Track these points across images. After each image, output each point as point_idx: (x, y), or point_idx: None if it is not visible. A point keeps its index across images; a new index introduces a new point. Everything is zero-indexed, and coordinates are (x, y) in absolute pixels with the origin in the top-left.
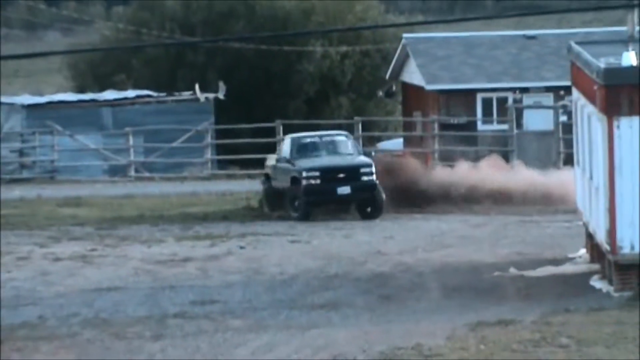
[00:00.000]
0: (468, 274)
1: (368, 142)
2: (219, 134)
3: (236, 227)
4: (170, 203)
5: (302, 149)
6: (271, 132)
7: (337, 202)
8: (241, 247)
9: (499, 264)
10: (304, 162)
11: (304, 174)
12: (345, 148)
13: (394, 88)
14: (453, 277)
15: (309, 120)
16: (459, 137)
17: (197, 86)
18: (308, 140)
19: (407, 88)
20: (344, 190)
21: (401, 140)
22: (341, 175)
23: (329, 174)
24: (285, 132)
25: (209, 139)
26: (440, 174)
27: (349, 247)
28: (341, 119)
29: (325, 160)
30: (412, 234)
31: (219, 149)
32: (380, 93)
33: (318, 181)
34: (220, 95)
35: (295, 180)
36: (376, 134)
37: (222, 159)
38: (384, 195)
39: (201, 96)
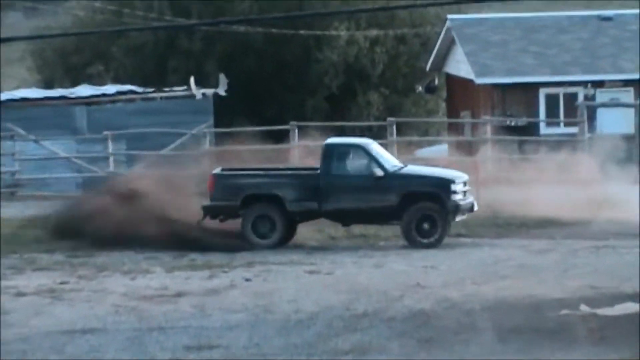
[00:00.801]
0: (529, 312)
1: (404, 149)
2: (220, 139)
3: (241, 254)
4: None
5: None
6: (283, 136)
7: None
8: (247, 279)
9: (567, 300)
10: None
11: None
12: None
13: (436, 82)
14: (510, 316)
15: (331, 121)
16: (517, 142)
17: (192, 80)
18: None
19: (453, 82)
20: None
21: (445, 146)
22: None
23: None
24: (302, 137)
25: (207, 145)
26: (493, 188)
27: (380, 278)
28: (371, 119)
29: None
30: (459, 263)
31: (220, 158)
32: (420, 88)
33: None
34: (221, 91)
35: None
36: (414, 138)
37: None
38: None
39: (197, 92)
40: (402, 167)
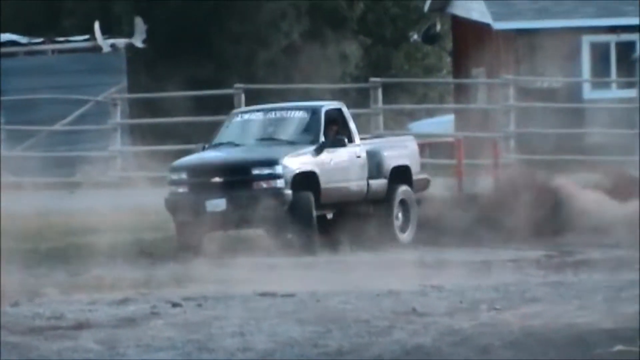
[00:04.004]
0: (568, 347)
1: (393, 121)
2: (136, 108)
3: (167, 268)
4: (50, 227)
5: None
6: (225, 104)
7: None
8: (175, 305)
9: (621, 332)
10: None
11: (171, 176)
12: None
13: (438, 28)
14: (542, 353)
15: (290, 83)
16: (551, 111)
17: (96, 26)
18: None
19: (462, 27)
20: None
21: (451, 118)
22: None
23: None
24: (250, 104)
25: (118, 117)
26: (516, 177)
27: (361, 301)
28: (347, 80)
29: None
30: (471, 280)
31: (136, 134)
32: (415, 36)
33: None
34: (137, 41)
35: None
36: (407, 106)
37: (140, 151)
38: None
39: (104, 43)
40: None
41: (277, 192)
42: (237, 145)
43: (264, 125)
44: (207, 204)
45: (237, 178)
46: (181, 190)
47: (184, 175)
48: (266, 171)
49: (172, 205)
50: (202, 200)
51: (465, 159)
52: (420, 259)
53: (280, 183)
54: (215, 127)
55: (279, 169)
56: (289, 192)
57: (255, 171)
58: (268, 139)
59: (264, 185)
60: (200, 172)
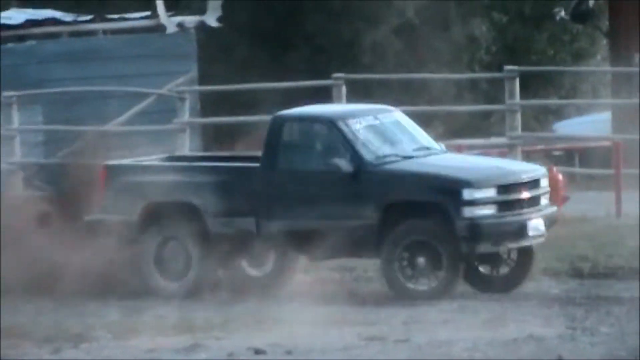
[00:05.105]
0: None
1: (534, 120)
2: (209, 104)
3: (72, 320)
4: None
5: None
6: (322, 96)
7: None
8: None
9: None
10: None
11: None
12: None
13: (591, 2)
14: None
15: (403, 72)
16: None
17: (159, 1)
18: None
19: (623, 2)
20: None
21: (607, 116)
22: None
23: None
24: (352, 99)
25: (186, 115)
26: None
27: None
28: (477, 68)
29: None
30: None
31: (208, 136)
32: (563, 13)
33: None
34: (211, 20)
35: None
36: (552, 101)
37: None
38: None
39: (168, 21)
40: (417, 157)
41: None
42: (410, 157)
43: (399, 131)
44: (529, 226)
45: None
46: (486, 211)
47: (491, 193)
48: None
49: (482, 230)
50: (524, 222)
51: (625, 168)
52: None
53: None
54: None
55: None
56: None
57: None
58: (424, 149)
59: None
60: (512, 189)
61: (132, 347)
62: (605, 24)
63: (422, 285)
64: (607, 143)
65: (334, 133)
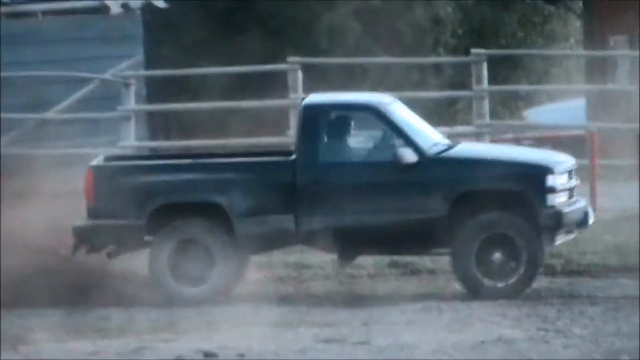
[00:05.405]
0: None
1: (504, 107)
2: (156, 90)
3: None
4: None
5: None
6: (276, 82)
7: None
8: None
9: None
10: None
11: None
12: None
13: None
14: None
15: (363, 56)
16: None
17: None
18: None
19: None
20: None
21: (581, 103)
22: None
23: None
24: (308, 85)
25: (131, 102)
26: None
27: None
28: (442, 52)
29: None
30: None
31: (155, 124)
32: None
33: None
34: (158, 1)
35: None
36: (522, 87)
37: (161, 147)
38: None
39: (113, 3)
40: (451, 147)
41: None
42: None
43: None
44: (590, 213)
45: None
46: (564, 198)
47: (565, 179)
48: None
49: (565, 219)
50: (586, 209)
51: (600, 159)
52: None
53: None
54: (262, 114)
55: None
56: None
57: None
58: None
59: None
60: (572, 176)
61: (74, 350)
62: (578, 5)
63: (500, 282)
64: (580, 132)
65: (383, 121)
